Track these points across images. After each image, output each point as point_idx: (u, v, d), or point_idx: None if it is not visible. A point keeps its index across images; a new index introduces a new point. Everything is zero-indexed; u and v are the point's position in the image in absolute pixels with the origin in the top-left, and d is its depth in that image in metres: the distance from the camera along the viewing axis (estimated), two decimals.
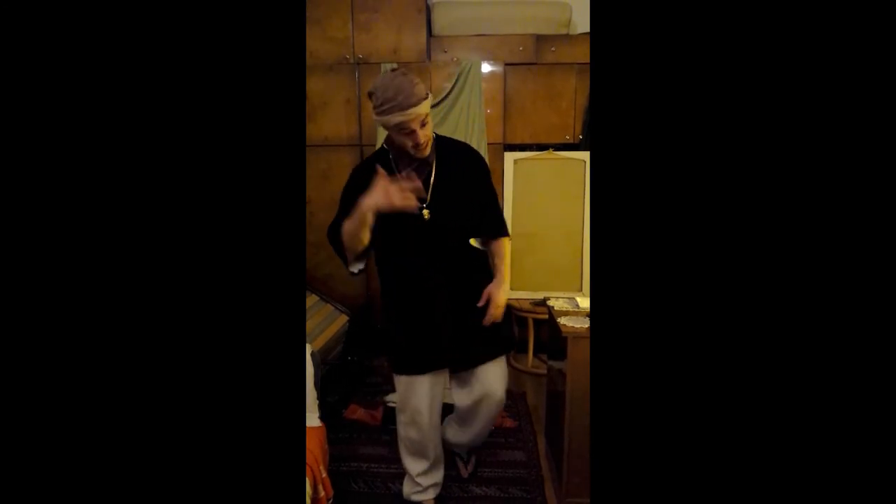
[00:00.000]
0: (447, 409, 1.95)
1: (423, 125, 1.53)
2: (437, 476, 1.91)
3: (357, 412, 2.64)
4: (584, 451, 1.88)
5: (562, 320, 1.94)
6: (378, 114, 1.52)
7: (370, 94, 1.55)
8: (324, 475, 1.70)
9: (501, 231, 1.75)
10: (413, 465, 1.87)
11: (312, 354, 1.84)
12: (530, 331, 3.10)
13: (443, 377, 1.79)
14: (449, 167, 1.66)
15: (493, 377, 1.75)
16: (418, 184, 1.51)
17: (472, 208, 1.69)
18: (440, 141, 1.69)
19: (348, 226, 1.56)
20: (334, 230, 1.64)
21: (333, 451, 2.15)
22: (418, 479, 1.88)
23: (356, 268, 1.70)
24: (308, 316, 2.76)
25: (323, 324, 2.82)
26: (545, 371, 2.79)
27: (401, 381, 1.75)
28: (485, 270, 1.74)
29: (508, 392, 2.81)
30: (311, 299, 2.97)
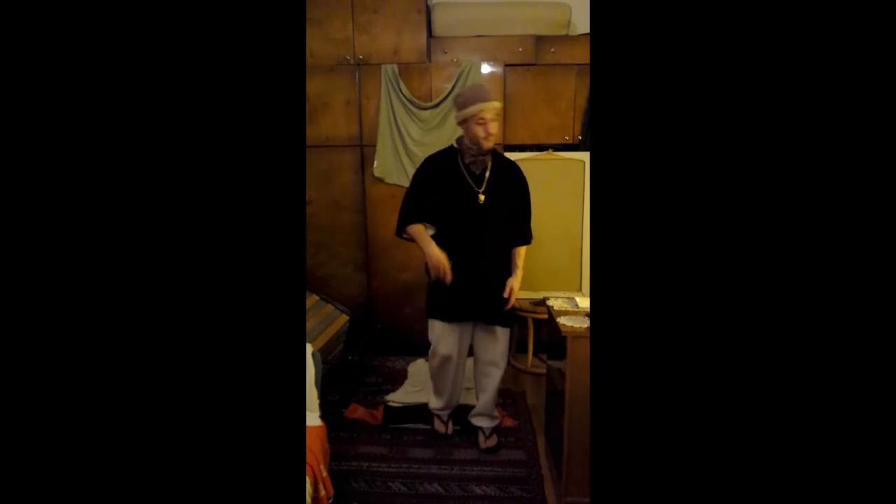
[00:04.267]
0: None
1: (493, 120, 2.03)
2: (453, 403, 2.43)
3: (357, 411, 2.64)
4: (583, 451, 1.89)
5: (561, 320, 1.94)
6: (461, 108, 2.05)
7: (456, 98, 2.11)
8: (324, 474, 1.70)
9: (526, 240, 2.24)
10: (438, 392, 2.39)
11: (314, 354, 1.85)
12: (530, 330, 3.11)
13: (468, 331, 2.27)
14: (500, 170, 2.17)
15: (496, 340, 2.25)
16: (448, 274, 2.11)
17: (513, 208, 2.19)
18: (495, 153, 2.20)
19: (418, 235, 2.16)
20: (408, 208, 2.18)
21: (334, 450, 2.16)
22: (439, 402, 2.41)
23: (405, 237, 2.24)
24: (308, 316, 2.76)
25: (323, 323, 2.83)
26: (545, 370, 2.79)
27: (435, 330, 2.25)
28: (509, 255, 2.23)
29: (508, 391, 2.85)
30: (312, 299, 2.98)
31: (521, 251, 2.23)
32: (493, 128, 2.04)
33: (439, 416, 2.46)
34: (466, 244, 2.13)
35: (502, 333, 2.25)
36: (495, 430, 2.40)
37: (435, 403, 2.45)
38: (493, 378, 2.30)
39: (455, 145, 2.18)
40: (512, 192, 2.18)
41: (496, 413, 2.41)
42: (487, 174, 2.12)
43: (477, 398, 2.39)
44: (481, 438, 2.37)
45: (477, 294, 2.16)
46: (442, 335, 2.24)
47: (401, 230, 2.20)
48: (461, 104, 2.05)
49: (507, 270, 2.20)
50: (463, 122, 2.07)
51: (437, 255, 2.10)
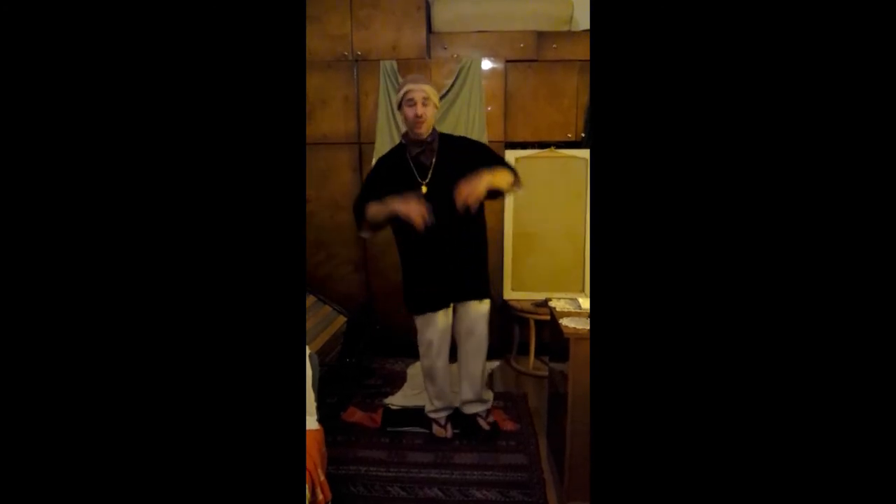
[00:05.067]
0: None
1: (423, 104, 2.07)
2: (446, 401, 2.42)
3: (355, 415, 2.61)
4: (585, 454, 1.87)
5: (563, 321, 1.92)
6: (397, 94, 2.13)
7: (399, 87, 2.15)
8: (322, 478, 1.66)
9: (500, 165, 2.17)
10: (429, 388, 2.42)
11: (311, 356, 1.81)
12: (531, 332, 3.07)
13: (448, 318, 2.31)
14: (449, 155, 2.17)
15: (475, 314, 2.30)
16: (427, 210, 2.00)
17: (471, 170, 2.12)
18: (444, 137, 2.21)
19: (375, 209, 2.12)
20: (360, 205, 2.19)
21: (332, 453, 2.12)
22: (433, 401, 2.42)
23: (366, 235, 2.31)
24: (306, 317, 2.72)
25: (321, 325, 2.79)
26: (546, 373, 2.76)
27: (418, 320, 2.32)
28: (475, 235, 2.26)
29: (509, 394, 2.82)
30: (309, 300, 2.94)
31: (497, 169, 2.08)
32: (422, 111, 2.06)
33: (436, 420, 2.45)
34: (420, 236, 2.10)
35: (478, 306, 2.29)
36: (490, 411, 2.49)
37: (430, 405, 2.45)
38: (476, 359, 2.34)
39: (402, 140, 2.23)
40: (464, 168, 2.04)
41: (487, 396, 2.49)
42: (433, 163, 2.16)
43: (461, 385, 2.41)
44: (481, 423, 2.42)
45: (443, 281, 2.22)
46: (424, 324, 2.31)
47: (359, 224, 2.22)
48: (397, 91, 2.16)
49: (473, 249, 2.24)
50: (399, 109, 2.15)
51: (408, 205, 2.01)
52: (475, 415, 2.43)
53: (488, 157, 2.17)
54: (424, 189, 2.14)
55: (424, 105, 2.07)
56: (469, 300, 2.27)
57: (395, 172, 2.18)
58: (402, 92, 2.09)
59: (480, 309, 2.30)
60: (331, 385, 2.69)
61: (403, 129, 2.24)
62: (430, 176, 2.15)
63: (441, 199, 2.09)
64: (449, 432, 2.41)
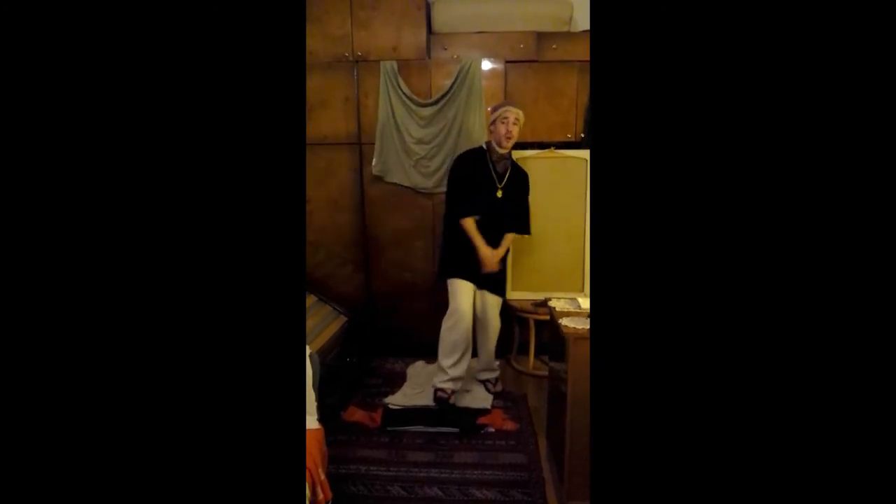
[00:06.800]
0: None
1: (514, 123, 2.50)
2: (461, 370, 2.66)
3: (356, 414, 2.61)
4: (585, 453, 1.87)
5: (563, 321, 1.92)
6: (493, 112, 2.56)
7: (491, 108, 2.64)
8: (322, 477, 1.67)
9: (526, 230, 2.76)
10: (446, 360, 2.65)
11: (311, 356, 1.82)
12: (531, 332, 3.08)
13: (477, 294, 2.71)
14: (515, 174, 2.67)
15: (492, 309, 2.78)
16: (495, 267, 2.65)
17: (518, 205, 2.70)
18: (513, 161, 2.70)
19: (474, 238, 2.61)
20: (461, 212, 2.62)
21: (332, 453, 2.13)
22: (448, 371, 2.64)
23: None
24: (306, 316, 2.73)
25: (321, 324, 2.79)
26: (546, 373, 2.77)
27: (454, 290, 2.66)
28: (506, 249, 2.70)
29: (509, 393, 2.85)
30: (310, 300, 2.94)
31: (511, 236, 2.71)
32: (513, 129, 2.50)
33: (443, 389, 2.65)
34: (484, 227, 2.59)
35: (494, 303, 2.79)
36: (498, 379, 2.92)
37: (444, 376, 2.65)
38: (491, 336, 2.81)
39: (484, 147, 2.63)
40: (520, 193, 2.70)
41: (496, 366, 2.90)
42: (507, 174, 2.61)
43: (479, 356, 2.85)
44: (490, 387, 2.87)
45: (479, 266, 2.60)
46: (460, 291, 2.63)
47: (456, 220, 2.63)
48: (493, 109, 2.57)
49: (504, 256, 2.70)
50: (492, 124, 2.55)
51: (487, 255, 2.59)
52: (486, 381, 2.88)
53: (525, 201, 2.72)
54: (500, 193, 2.60)
55: (515, 125, 2.50)
56: (493, 293, 2.72)
57: (478, 172, 2.58)
58: (499, 112, 2.52)
59: (496, 304, 2.77)
60: (331, 384, 2.69)
61: (486, 139, 2.68)
62: (504, 183, 2.61)
63: (506, 204, 2.62)
64: (453, 398, 2.66)
